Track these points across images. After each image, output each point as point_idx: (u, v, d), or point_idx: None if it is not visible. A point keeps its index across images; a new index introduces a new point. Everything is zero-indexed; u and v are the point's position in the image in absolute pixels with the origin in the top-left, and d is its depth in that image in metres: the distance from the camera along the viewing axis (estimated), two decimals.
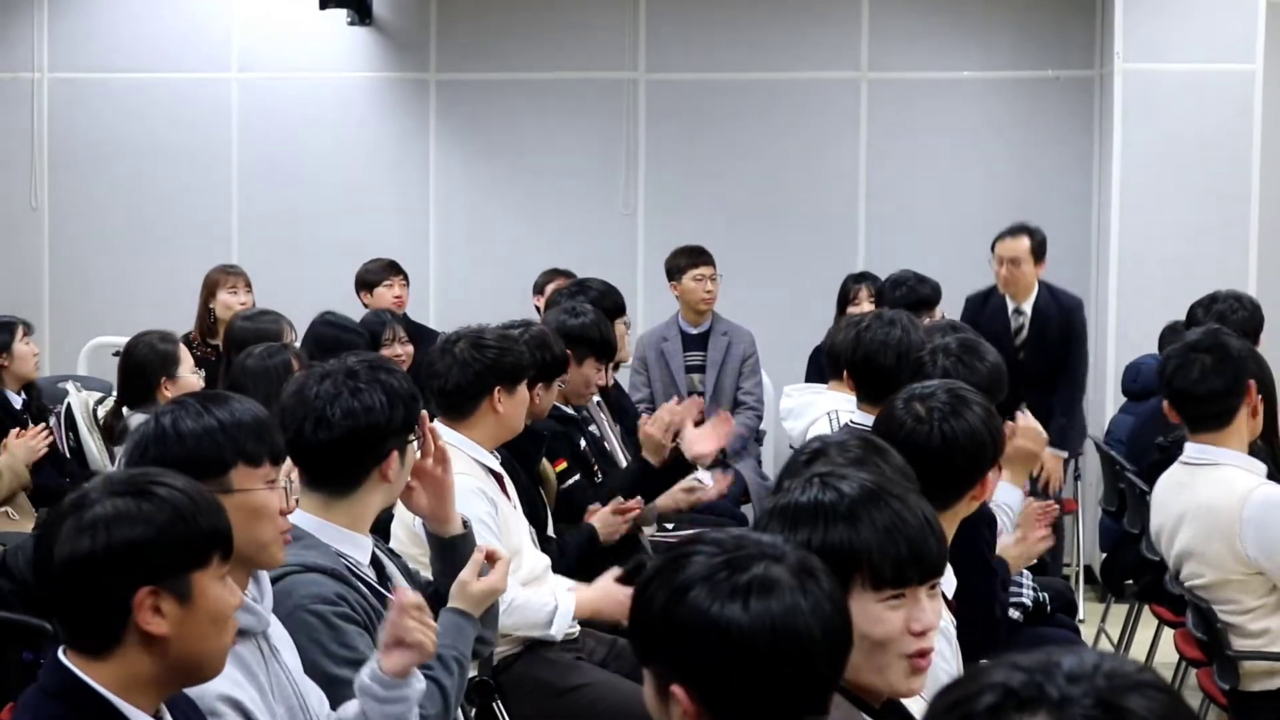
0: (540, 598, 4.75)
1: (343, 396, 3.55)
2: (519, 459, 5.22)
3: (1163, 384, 5.02)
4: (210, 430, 3.05)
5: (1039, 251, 7.96)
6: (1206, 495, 4.90)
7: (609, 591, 4.88)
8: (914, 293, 7.66)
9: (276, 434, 3.16)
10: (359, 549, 3.60)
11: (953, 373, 4.50)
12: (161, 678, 2.50)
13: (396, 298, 8.46)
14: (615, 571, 4.88)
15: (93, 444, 7.05)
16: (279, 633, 3.19)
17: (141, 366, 6.02)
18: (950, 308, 7.94)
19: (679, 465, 5.76)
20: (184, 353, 6.11)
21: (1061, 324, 8.00)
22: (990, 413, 3.77)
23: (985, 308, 8.08)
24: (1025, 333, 8.01)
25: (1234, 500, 4.81)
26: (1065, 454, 7.98)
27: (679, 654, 2.07)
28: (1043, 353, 7.97)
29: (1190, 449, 4.99)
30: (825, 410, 5.86)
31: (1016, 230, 7.96)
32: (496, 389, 4.82)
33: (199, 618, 2.49)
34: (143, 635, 2.46)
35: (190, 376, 6.04)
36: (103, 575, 2.43)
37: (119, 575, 2.44)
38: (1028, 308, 8.04)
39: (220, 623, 2.54)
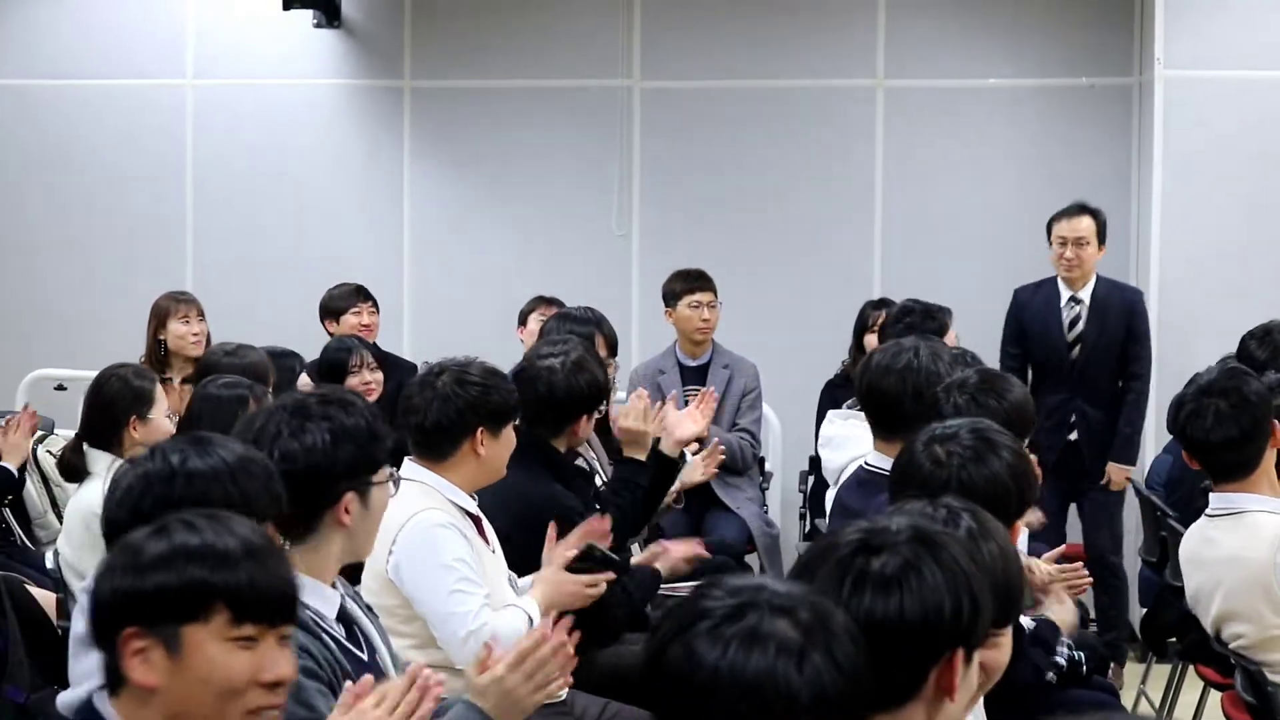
0: (514, 620, 4.73)
1: (283, 437, 3.56)
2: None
3: (1175, 432, 5.02)
4: (220, 474, 3.04)
5: (1102, 233, 8.01)
6: (1234, 546, 4.91)
7: (558, 584, 4.86)
8: (922, 326, 7.69)
9: (280, 489, 3.15)
10: (325, 601, 3.59)
11: (966, 411, 4.47)
12: None
13: (364, 326, 8.43)
14: (563, 559, 4.85)
15: (31, 485, 7.03)
16: None
17: (112, 402, 5.98)
18: (976, 337, 7.90)
19: (662, 463, 5.76)
20: (160, 393, 6.07)
21: (1124, 314, 8.02)
22: (1019, 455, 3.75)
23: (1035, 298, 8.09)
24: (1082, 324, 8.04)
25: (1264, 546, 4.82)
26: (1131, 468, 8.01)
27: (658, 696, 2.13)
28: (1102, 347, 8.00)
29: (1214, 499, 5.01)
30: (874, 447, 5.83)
31: (1078, 209, 8.01)
32: (480, 430, 4.81)
33: (188, 676, 2.56)
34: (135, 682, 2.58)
35: (163, 420, 6.02)
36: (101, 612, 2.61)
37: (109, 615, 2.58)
38: (1085, 295, 8.06)
39: (216, 689, 2.58)
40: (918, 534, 2.48)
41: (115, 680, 2.57)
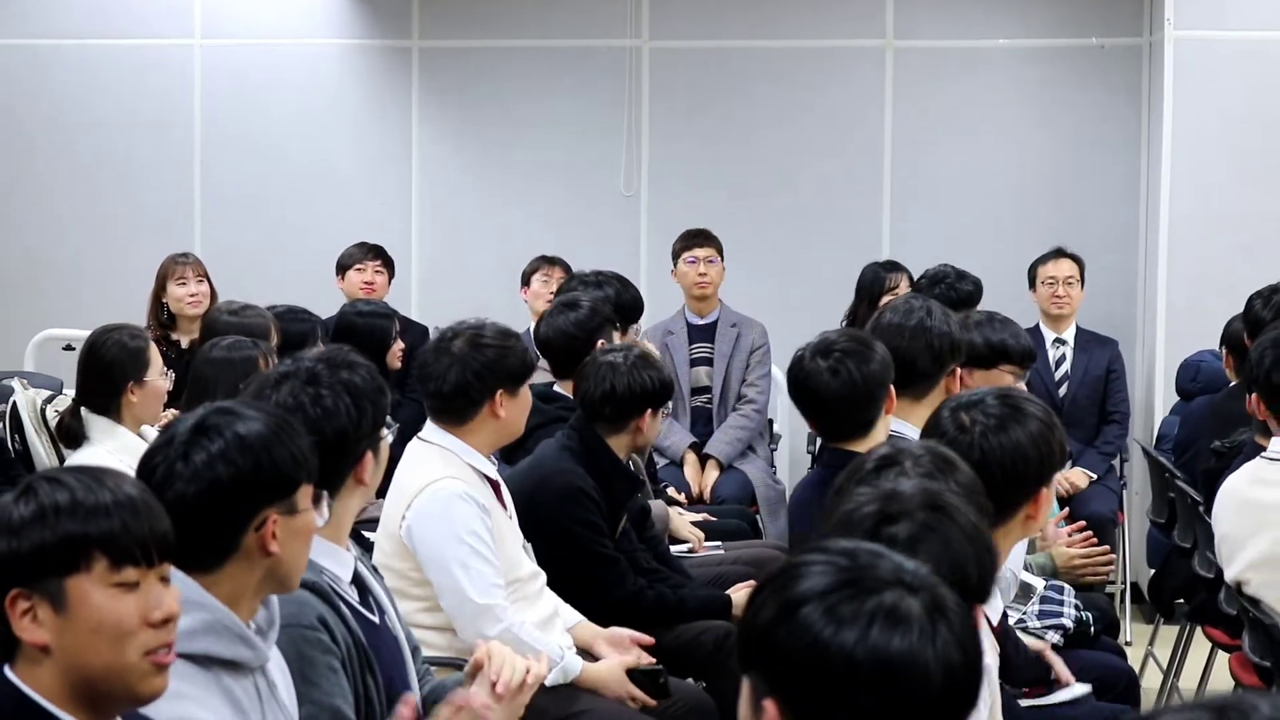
0: (550, 648, 4.79)
1: (304, 406, 3.57)
2: (609, 503, 5.31)
3: (1251, 378, 5.07)
4: (281, 438, 3.06)
5: (1082, 275, 8.40)
6: None
7: (618, 680, 4.91)
8: (954, 290, 7.68)
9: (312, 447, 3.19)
10: (341, 564, 3.61)
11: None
12: (71, 691, 2.59)
13: (367, 283, 8.45)
14: (629, 659, 4.94)
15: (40, 446, 7.03)
16: (278, 666, 3.19)
17: (109, 367, 5.92)
18: (984, 298, 7.94)
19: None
20: (154, 353, 6.04)
21: (1105, 355, 8.40)
22: (1048, 426, 3.71)
23: None
24: (1068, 364, 8.35)
25: None
26: (1092, 476, 8.22)
27: (779, 670, 2.09)
28: (1088, 383, 8.33)
29: (1275, 443, 5.01)
30: None
31: (1057, 253, 8.42)
32: (499, 392, 4.85)
33: (79, 628, 2.57)
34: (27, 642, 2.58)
35: (159, 381, 5.99)
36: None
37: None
38: (1069, 336, 8.44)
39: (108, 635, 2.59)
40: (928, 499, 2.55)
41: (10, 646, 2.59)
